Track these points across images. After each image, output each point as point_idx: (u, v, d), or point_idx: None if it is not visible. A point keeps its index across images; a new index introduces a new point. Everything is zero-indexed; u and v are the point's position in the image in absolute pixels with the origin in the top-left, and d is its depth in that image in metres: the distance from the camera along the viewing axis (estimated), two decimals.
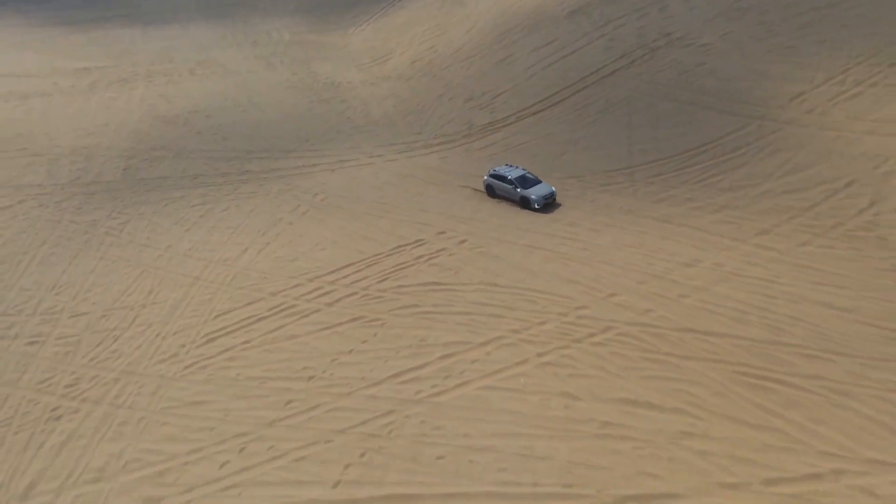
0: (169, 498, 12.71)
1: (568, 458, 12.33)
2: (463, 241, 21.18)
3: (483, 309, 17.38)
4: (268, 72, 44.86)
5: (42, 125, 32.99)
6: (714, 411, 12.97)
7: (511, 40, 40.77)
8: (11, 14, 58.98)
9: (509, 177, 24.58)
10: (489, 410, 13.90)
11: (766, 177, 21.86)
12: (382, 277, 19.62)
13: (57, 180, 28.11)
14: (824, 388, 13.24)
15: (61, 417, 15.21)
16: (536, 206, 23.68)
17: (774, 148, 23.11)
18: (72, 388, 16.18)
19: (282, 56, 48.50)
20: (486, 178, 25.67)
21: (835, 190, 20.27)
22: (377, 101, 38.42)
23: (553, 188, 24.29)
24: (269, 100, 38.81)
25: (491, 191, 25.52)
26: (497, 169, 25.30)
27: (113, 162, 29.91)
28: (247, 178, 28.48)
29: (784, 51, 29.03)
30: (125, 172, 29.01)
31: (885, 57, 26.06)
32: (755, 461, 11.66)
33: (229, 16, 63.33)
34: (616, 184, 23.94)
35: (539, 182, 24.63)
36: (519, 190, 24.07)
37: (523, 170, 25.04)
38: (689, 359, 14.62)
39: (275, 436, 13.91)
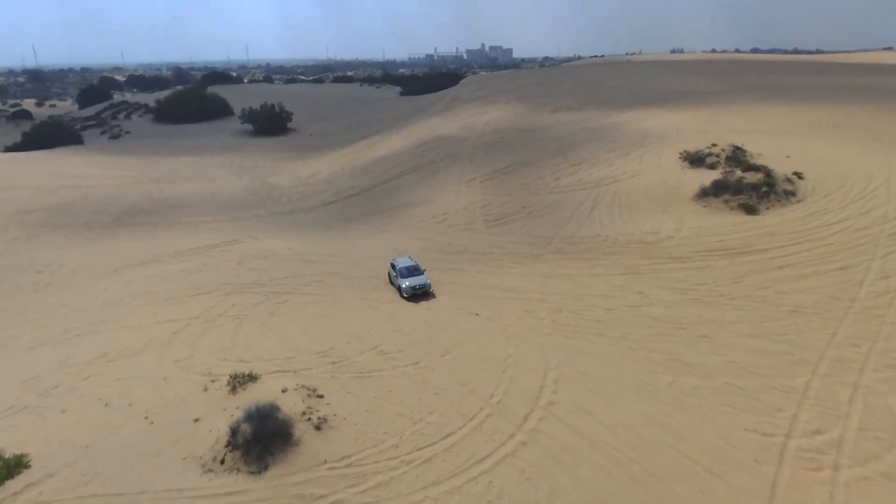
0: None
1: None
2: (255, 238, 44.07)
3: (231, 252, 39.76)
4: (236, 180, 71.91)
5: (81, 201, 59.87)
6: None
7: (380, 161, 66.60)
8: (94, 150, 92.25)
9: (398, 266, 28.31)
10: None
11: (416, 205, 44.19)
12: (207, 248, 42.48)
13: (77, 221, 53.63)
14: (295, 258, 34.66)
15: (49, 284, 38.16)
16: (404, 295, 26.93)
17: (437, 194, 45.64)
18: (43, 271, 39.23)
19: (252, 173, 76.09)
20: (388, 266, 29.91)
21: (441, 215, 42.27)
22: (288, 194, 63.69)
23: (427, 281, 27.38)
24: (224, 193, 64.86)
25: (389, 278, 29.49)
26: (395, 259, 29.64)
27: (111, 215, 55.54)
28: (182, 224, 53.02)
29: (492, 156, 52.59)
30: (115, 219, 54.41)
31: (557, 158, 49.08)
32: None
33: (238, 152, 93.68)
34: (357, 217, 46.69)
35: (419, 275, 27.65)
36: (397, 278, 27.73)
37: (415, 264, 28.59)
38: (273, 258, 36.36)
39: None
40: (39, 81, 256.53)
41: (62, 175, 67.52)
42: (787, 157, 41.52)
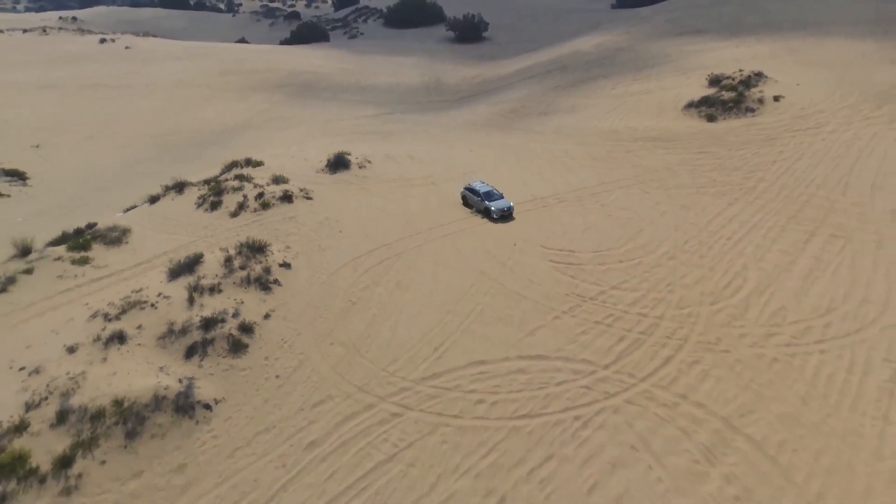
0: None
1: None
2: (402, 112, 71.16)
3: (383, 118, 67.39)
4: (418, 77, 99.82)
5: (315, 81, 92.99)
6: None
7: (520, 70, 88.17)
8: (335, 47, 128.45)
9: (479, 190, 33.70)
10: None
11: (507, 101, 66.71)
12: (373, 115, 70.89)
13: (311, 93, 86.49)
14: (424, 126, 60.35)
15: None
16: (495, 217, 32.33)
17: (526, 94, 67.48)
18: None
19: (433, 73, 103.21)
20: (462, 190, 35.53)
21: (519, 106, 64.50)
22: (446, 90, 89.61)
23: (511, 204, 32.58)
24: (405, 85, 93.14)
25: (465, 201, 34.74)
26: (471, 184, 34.93)
27: (331, 92, 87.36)
28: (368, 102, 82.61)
29: (587, 70, 71.56)
30: (333, 95, 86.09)
31: (632, 74, 67.58)
32: None
33: (433, 56, 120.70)
34: (468, 104, 70.81)
35: (501, 198, 32.97)
36: (484, 202, 32.84)
37: (490, 186, 34.26)
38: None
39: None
40: None
41: (309, 63, 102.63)
42: (798, 84, 53.83)
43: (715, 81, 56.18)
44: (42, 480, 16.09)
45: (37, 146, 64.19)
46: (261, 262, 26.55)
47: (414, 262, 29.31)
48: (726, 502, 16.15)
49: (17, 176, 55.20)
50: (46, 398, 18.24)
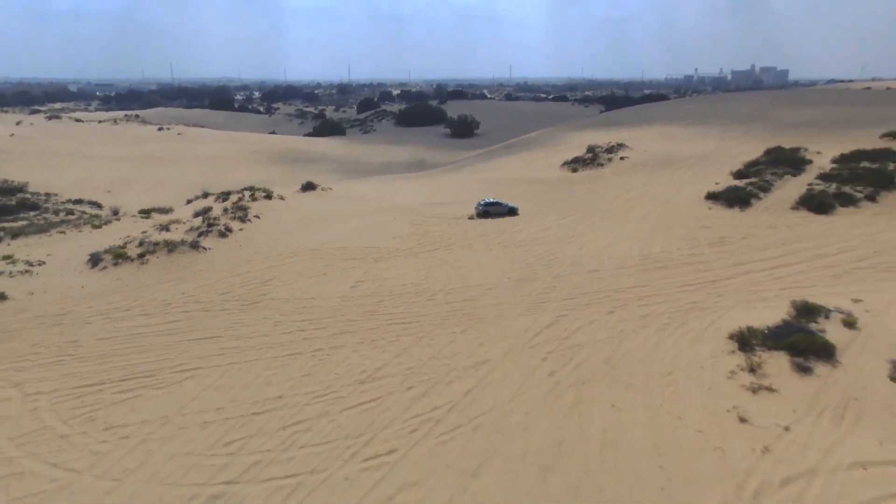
0: None
1: None
2: (381, 175, 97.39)
3: (366, 179, 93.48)
4: (407, 158, 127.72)
5: (322, 158, 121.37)
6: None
7: (482, 152, 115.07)
8: (347, 139, 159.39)
9: (493, 201, 52.99)
10: None
11: (459, 163, 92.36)
12: (359, 176, 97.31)
13: (312, 166, 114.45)
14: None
15: None
16: (517, 213, 52.29)
17: (471, 158, 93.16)
18: None
19: (419, 156, 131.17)
20: (479, 208, 52.23)
21: (459, 168, 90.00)
22: (421, 166, 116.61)
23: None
24: (392, 163, 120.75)
25: (486, 214, 51.44)
26: (485, 199, 53.60)
27: (332, 164, 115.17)
28: (358, 171, 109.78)
29: (524, 147, 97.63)
30: (335, 168, 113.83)
31: (544, 147, 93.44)
32: None
33: (426, 146, 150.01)
34: (430, 168, 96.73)
35: (507, 204, 53.02)
36: (506, 206, 52.48)
37: (496, 198, 54.87)
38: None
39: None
40: (344, 94, 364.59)
41: (322, 148, 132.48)
42: (645, 151, 78.05)
43: (590, 150, 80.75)
44: (131, 259, 39.37)
45: (108, 191, 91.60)
46: (243, 213, 50.43)
47: (333, 223, 52.75)
48: (423, 269, 38.27)
49: (97, 205, 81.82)
50: (134, 240, 41.90)
